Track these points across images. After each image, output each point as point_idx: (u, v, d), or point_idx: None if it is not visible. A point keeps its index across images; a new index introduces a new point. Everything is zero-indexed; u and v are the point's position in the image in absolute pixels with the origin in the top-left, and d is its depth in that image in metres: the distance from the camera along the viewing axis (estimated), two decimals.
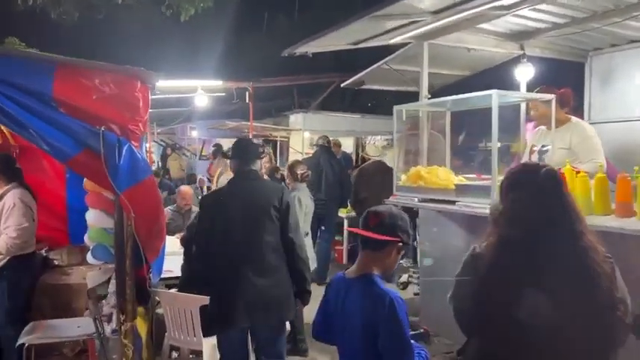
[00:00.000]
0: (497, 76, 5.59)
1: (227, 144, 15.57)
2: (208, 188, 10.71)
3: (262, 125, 10.11)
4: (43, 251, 5.43)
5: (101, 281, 3.93)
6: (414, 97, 12.55)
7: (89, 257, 3.95)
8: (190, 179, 10.83)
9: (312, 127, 9.95)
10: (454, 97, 3.76)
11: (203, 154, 16.37)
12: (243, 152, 3.68)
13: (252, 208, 3.47)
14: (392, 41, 4.52)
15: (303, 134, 10.11)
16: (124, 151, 3.15)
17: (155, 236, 3.54)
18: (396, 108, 4.17)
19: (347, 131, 9.88)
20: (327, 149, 7.51)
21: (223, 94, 8.85)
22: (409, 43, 4.55)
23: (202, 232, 3.63)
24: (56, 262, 5.59)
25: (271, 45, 13.55)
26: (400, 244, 2.27)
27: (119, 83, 3.20)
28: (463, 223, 3.63)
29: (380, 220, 2.25)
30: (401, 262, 8.63)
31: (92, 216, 3.79)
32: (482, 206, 3.28)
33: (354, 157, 10.66)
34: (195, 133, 16.45)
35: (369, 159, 7.39)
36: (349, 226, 7.19)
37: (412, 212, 9.38)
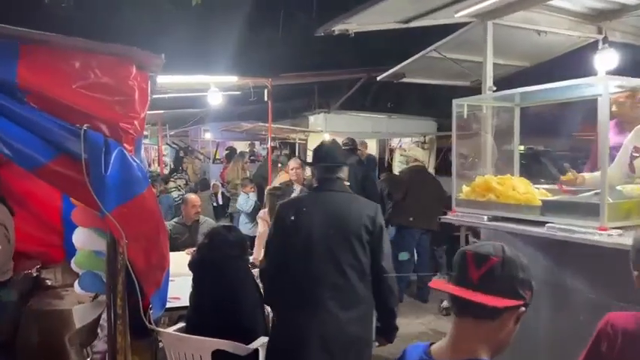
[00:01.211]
0: (559, 67, 4.76)
1: (241, 147, 15.00)
2: (223, 194, 9.98)
3: (281, 127, 9.35)
4: (34, 270, 4.73)
5: (90, 319, 3.18)
6: (447, 92, 11.75)
7: (76, 287, 3.21)
8: (203, 185, 10.09)
9: (335, 129, 9.17)
10: (539, 86, 2.93)
11: (217, 157, 15.71)
12: (327, 157, 3.04)
13: (339, 226, 2.89)
14: (449, 20, 3.72)
15: (324, 136, 9.32)
16: (112, 156, 2.38)
17: (155, 266, 2.78)
18: (455, 102, 3.35)
19: (372, 133, 9.09)
20: (352, 152, 6.72)
21: (238, 92, 8.10)
22: (467, 23, 3.75)
23: (276, 247, 3.04)
24: (49, 283, 4.87)
25: (287, 43, 12.84)
26: (522, 307, 1.45)
27: (108, 68, 2.43)
28: (551, 251, 2.80)
29: (489, 269, 1.42)
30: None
31: (80, 236, 3.06)
32: (589, 231, 2.46)
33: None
34: (208, 136, 15.78)
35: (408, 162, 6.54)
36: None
37: (447, 226, 8.64)
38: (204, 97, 8.81)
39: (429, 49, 4.30)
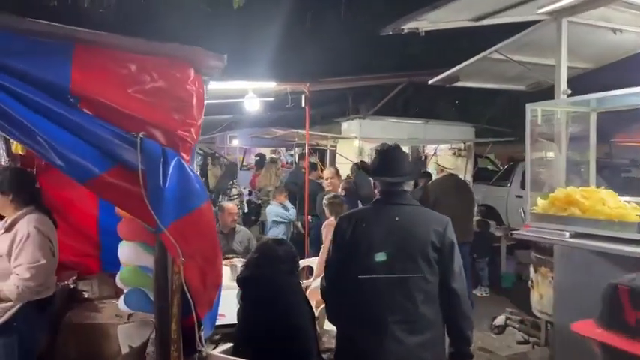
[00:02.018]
0: (621, 70, 4.42)
1: (266, 154, 14.83)
2: (249, 202, 9.77)
3: (319, 134, 9.13)
4: (71, 281, 4.60)
5: (138, 342, 2.98)
6: (483, 98, 11.41)
7: (121, 303, 3.02)
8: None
9: (369, 135, 8.91)
10: (623, 90, 2.63)
11: (243, 164, 15.59)
12: (391, 165, 2.76)
13: (403, 244, 2.64)
14: (520, 18, 3.44)
15: (359, 143, 9.07)
16: (171, 167, 2.18)
17: (210, 286, 2.55)
18: (529, 107, 3.07)
19: (408, 139, 8.79)
20: None
21: (272, 98, 7.92)
22: (531, 24, 3.47)
23: (335, 265, 2.81)
24: (86, 295, 4.74)
25: (316, 48, 12.64)
26: None
27: (165, 70, 2.24)
28: None
29: None
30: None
31: (126, 251, 2.87)
32: None
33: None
34: (235, 142, 15.66)
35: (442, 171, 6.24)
36: None
37: (488, 237, 8.26)
38: (235, 103, 8.69)
39: (490, 50, 4.02)
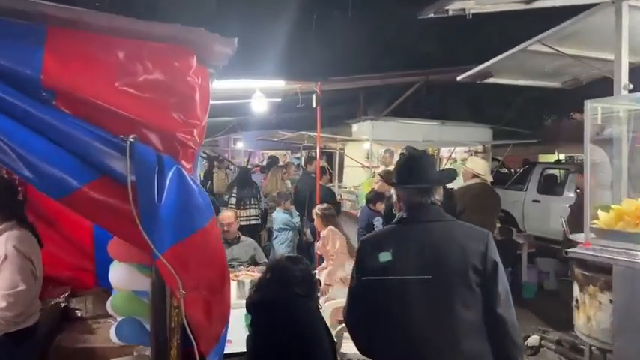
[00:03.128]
0: None
1: (282, 158, 14.39)
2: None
3: (329, 136, 8.70)
4: (63, 298, 4.20)
5: None
6: (498, 95, 10.93)
7: (112, 335, 2.61)
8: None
9: (381, 138, 8.48)
10: None
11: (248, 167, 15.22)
12: (418, 174, 2.37)
13: (440, 269, 2.25)
14: (574, 1, 3.02)
15: (370, 145, 8.63)
16: (168, 179, 1.76)
17: (217, 320, 2.13)
18: (589, 104, 2.64)
19: (422, 142, 8.35)
20: None
21: (279, 99, 7.50)
22: (590, 6, 3.04)
23: (361, 296, 2.41)
24: (79, 314, 4.34)
25: (323, 48, 12.23)
26: None
27: (162, 59, 1.82)
28: None
29: None
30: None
31: (118, 274, 2.48)
32: None
33: None
34: (240, 145, 15.26)
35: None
36: None
37: (511, 245, 7.80)
38: (239, 105, 8.27)
39: (532, 40, 3.59)
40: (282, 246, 7.24)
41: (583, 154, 10.38)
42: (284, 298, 2.83)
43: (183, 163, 1.87)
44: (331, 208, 5.60)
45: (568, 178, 9.49)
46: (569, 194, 9.16)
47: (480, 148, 9.24)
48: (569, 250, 2.71)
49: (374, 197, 6.27)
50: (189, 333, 1.97)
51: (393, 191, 2.56)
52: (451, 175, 2.54)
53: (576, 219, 4.95)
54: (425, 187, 2.38)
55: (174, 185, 1.77)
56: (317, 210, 5.48)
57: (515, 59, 3.95)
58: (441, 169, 9.09)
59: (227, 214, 5.69)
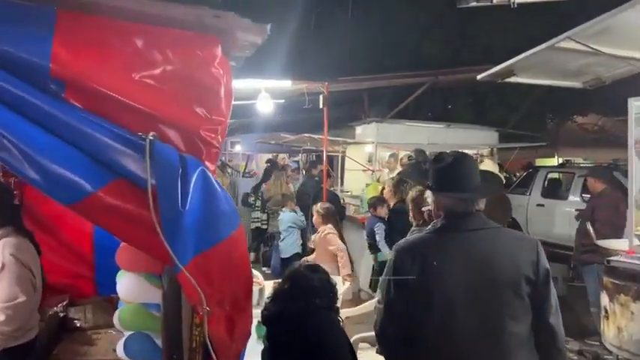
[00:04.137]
0: None
1: (280, 160, 14.18)
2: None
3: (333, 138, 8.51)
4: (61, 308, 3.99)
5: None
6: (501, 96, 10.77)
7: (120, 351, 2.40)
8: (245, 201, 9.25)
9: (386, 140, 8.30)
10: None
11: (245, 171, 15.00)
12: (463, 181, 2.18)
13: (487, 280, 2.09)
14: None
15: (374, 148, 8.46)
16: (192, 182, 1.56)
17: (239, 337, 1.93)
18: (632, 102, 2.46)
19: (428, 144, 8.18)
20: (419, 168, 5.83)
21: (282, 100, 7.32)
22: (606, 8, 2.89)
23: (398, 309, 2.22)
24: (77, 324, 4.12)
25: (325, 49, 12.05)
26: None
27: (184, 47, 1.63)
28: None
29: None
30: None
31: (126, 285, 2.28)
32: None
33: None
34: (238, 148, 15.04)
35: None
36: None
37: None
38: (239, 106, 8.07)
39: (562, 36, 3.43)
40: (292, 247, 7.13)
41: (582, 157, 10.22)
42: (303, 309, 2.64)
43: (207, 164, 1.68)
44: (332, 207, 5.55)
45: (573, 182, 9.36)
46: (575, 198, 9.01)
47: (485, 152, 9.10)
48: (611, 259, 2.54)
49: (375, 202, 6.14)
50: (212, 353, 1.77)
51: (428, 194, 2.36)
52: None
53: (602, 225, 4.80)
54: (471, 197, 2.20)
55: (198, 189, 1.57)
56: (318, 208, 5.40)
57: (540, 57, 3.78)
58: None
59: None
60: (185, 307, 1.93)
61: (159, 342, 2.13)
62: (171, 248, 1.53)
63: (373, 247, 5.98)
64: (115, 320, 2.40)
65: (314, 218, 5.42)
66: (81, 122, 1.50)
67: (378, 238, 5.80)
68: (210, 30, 1.63)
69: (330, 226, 5.18)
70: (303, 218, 7.21)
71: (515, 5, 2.76)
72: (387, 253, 5.42)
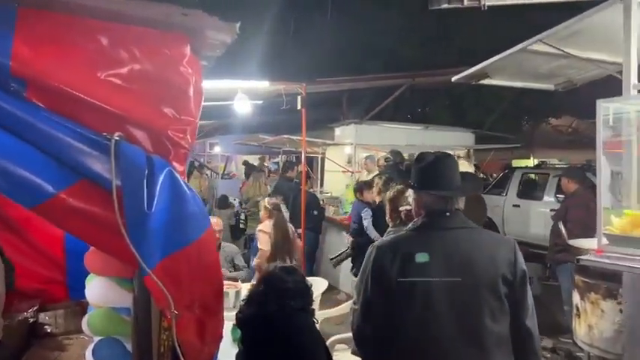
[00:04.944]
0: None
1: (253, 161, 14.12)
2: (236, 214, 9.03)
3: (313, 140, 8.50)
4: (31, 313, 3.88)
5: None
6: (478, 99, 10.96)
7: (89, 356, 2.34)
8: (222, 202, 9.15)
9: (365, 141, 8.34)
10: None
11: (225, 172, 14.86)
12: (444, 180, 2.20)
13: (467, 276, 2.09)
14: None
15: (352, 149, 8.48)
16: (159, 183, 1.53)
17: (211, 341, 1.90)
18: (601, 104, 2.52)
19: (406, 145, 8.25)
20: (398, 169, 5.87)
21: (260, 102, 7.27)
22: (602, 1, 2.93)
23: (377, 308, 2.22)
24: (48, 330, 4.02)
25: (302, 51, 12.04)
26: None
27: (152, 46, 1.59)
28: None
29: None
30: None
31: (95, 289, 2.24)
32: None
33: None
34: (217, 149, 14.89)
35: None
36: None
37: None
38: (217, 107, 7.99)
39: (534, 39, 3.48)
40: None
41: (557, 159, 10.39)
42: (279, 312, 2.62)
43: (176, 165, 1.65)
44: (279, 203, 5.48)
45: (548, 183, 9.52)
46: (549, 198, 9.18)
47: (462, 153, 9.21)
48: (581, 258, 2.58)
49: (361, 186, 6.10)
50: (181, 358, 1.74)
51: (410, 193, 2.37)
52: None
53: (574, 224, 4.89)
54: (451, 194, 2.19)
55: (165, 190, 1.54)
56: (266, 203, 5.37)
57: (513, 59, 3.84)
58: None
59: (217, 221, 5.48)
60: (155, 311, 1.90)
61: (129, 347, 2.09)
62: (137, 251, 1.50)
63: (358, 232, 5.90)
64: (84, 325, 2.35)
65: (261, 213, 5.46)
66: (43, 122, 1.45)
67: (365, 223, 5.73)
68: (178, 28, 1.61)
69: (265, 223, 5.18)
70: (287, 215, 7.20)
71: (486, 7, 2.79)
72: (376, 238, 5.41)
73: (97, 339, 2.28)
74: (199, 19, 1.52)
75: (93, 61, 1.52)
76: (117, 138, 1.49)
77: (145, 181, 1.48)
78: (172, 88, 1.62)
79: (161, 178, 1.53)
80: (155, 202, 1.50)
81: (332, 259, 6.13)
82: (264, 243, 5.07)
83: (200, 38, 1.68)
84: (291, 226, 5.33)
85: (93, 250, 2.06)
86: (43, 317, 3.95)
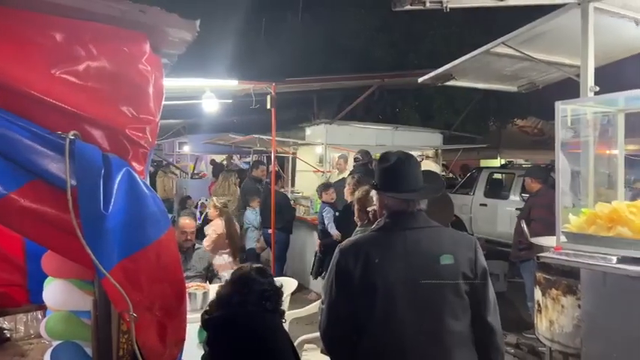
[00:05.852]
0: (619, 72, 4.07)
1: (224, 161, 13.99)
2: (200, 213, 8.91)
3: (283, 139, 8.46)
4: None
5: None
6: (447, 100, 11.18)
7: None
8: (182, 203, 9.02)
9: (335, 141, 8.36)
10: None
11: (195, 172, 14.68)
12: (406, 181, 2.20)
13: (429, 275, 2.12)
14: (543, 1, 2.97)
15: (324, 149, 8.50)
16: (116, 182, 1.49)
17: (172, 343, 1.87)
18: (559, 105, 2.58)
19: (376, 145, 8.32)
20: (367, 169, 5.89)
21: (230, 101, 7.20)
22: (561, 5, 3.01)
23: (340, 309, 2.23)
24: (7, 335, 3.90)
25: (272, 51, 11.99)
26: None
27: (108, 42, 1.55)
28: None
29: None
30: None
31: (53, 292, 2.18)
32: None
33: None
34: (186, 149, 14.70)
35: None
36: None
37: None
38: (185, 106, 7.87)
39: (497, 41, 3.56)
40: (256, 244, 7.28)
41: (523, 159, 10.63)
42: (251, 314, 2.59)
43: (134, 164, 1.61)
44: (226, 203, 5.73)
45: (513, 182, 9.75)
46: (515, 198, 9.42)
47: (431, 153, 9.34)
48: (541, 255, 2.66)
49: (321, 188, 6.29)
50: (139, 356, 1.70)
51: (373, 194, 2.38)
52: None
53: (537, 223, 5.01)
54: (412, 197, 2.21)
55: (123, 190, 1.51)
56: (215, 201, 5.55)
57: (477, 61, 3.92)
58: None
59: (189, 222, 5.40)
60: (115, 314, 1.86)
61: (89, 350, 2.04)
62: (93, 253, 1.46)
63: (323, 233, 6.03)
64: (42, 330, 2.29)
65: (210, 211, 5.55)
66: None
67: (326, 221, 5.86)
68: (137, 26, 1.57)
69: (216, 221, 5.26)
70: (258, 217, 7.23)
71: (448, 9, 2.84)
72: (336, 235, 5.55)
73: (55, 343, 2.22)
74: (158, 16, 1.50)
75: (46, 57, 1.47)
76: (72, 137, 1.44)
77: (102, 180, 1.45)
78: (131, 86, 1.58)
79: (118, 177, 1.49)
80: (112, 202, 1.46)
81: (311, 273, 6.28)
82: (207, 240, 5.30)
83: (160, 36, 1.65)
84: (237, 225, 5.52)
85: (50, 252, 2.00)
86: (2, 322, 3.83)
